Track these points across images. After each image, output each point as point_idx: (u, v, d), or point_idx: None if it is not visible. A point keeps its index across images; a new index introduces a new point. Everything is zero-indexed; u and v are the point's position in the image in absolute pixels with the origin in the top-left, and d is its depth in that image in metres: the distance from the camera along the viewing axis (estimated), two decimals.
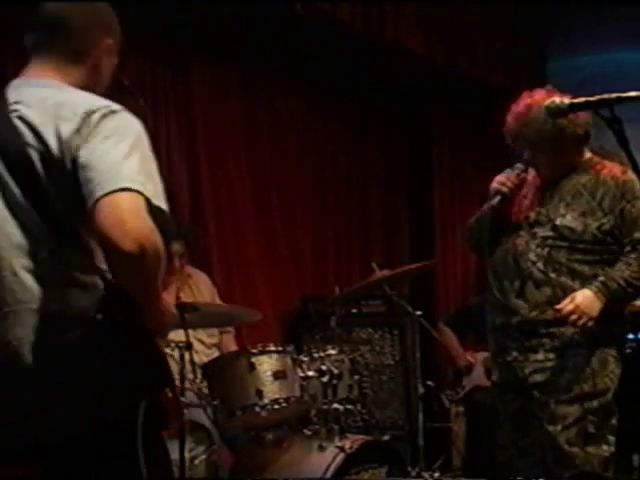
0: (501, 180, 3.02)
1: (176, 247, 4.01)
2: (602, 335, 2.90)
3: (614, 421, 2.92)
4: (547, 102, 2.27)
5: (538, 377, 2.93)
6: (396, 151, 6.24)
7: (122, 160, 1.70)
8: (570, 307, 2.85)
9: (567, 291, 2.91)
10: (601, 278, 2.89)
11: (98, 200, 1.66)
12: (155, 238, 1.68)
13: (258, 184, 5.22)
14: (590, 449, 2.86)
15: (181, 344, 3.12)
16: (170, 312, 1.95)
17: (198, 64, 4.89)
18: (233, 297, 4.69)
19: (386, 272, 3.93)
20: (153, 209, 1.71)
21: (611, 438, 2.90)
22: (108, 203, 1.66)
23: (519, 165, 3.04)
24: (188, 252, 4.17)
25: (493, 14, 5.65)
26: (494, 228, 3.10)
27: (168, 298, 3.95)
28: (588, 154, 3.05)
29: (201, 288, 4.15)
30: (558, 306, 2.86)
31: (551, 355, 2.93)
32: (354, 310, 5.13)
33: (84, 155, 1.70)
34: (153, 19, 4.37)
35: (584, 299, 2.85)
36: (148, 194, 1.70)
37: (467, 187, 6.19)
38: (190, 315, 3.19)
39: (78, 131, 1.72)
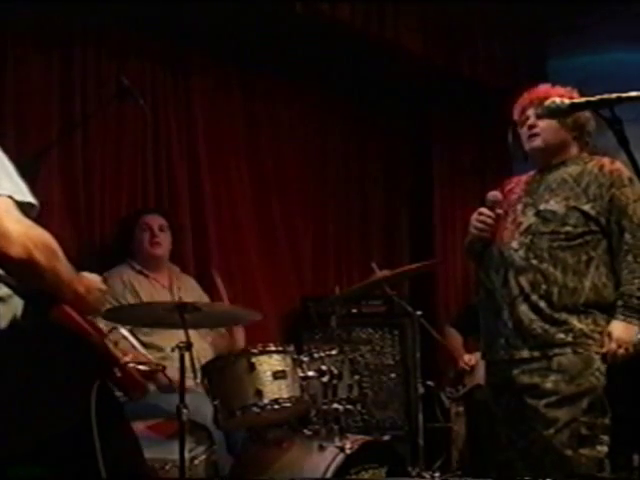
0: (478, 226, 3.06)
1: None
2: (585, 333, 2.88)
3: (607, 420, 2.88)
4: (547, 102, 2.29)
5: (525, 379, 2.92)
6: (396, 151, 6.23)
7: None
8: (613, 346, 2.86)
9: (548, 277, 2.91)
10: (620, 302, 2.89)
11: None
12: (36, 233, 1.68)
13: (258, 184, 5.21)
14: (584, 451, 2.83)
15: (181, 344, 3.11)
16: (95, 287, 1.92)
17: (198, 64, 4.88)
18: (233, 297, 4.68)
19: (386, 272, 3.93)
20: (22, 206, 1.70)
21: (605, 438, 2.86)
22: None
23: (489, 197, 3.07)
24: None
25: (493, 14, 5.65)
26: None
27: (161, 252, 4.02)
28: (576, 149, 3.10)
29: (188, 292, 4.10)
30: (602, 350, 2.87)
31: (536, 353, 2.91)
32: (354, 310, 5.14)
33: None
34: (153, 19, 4.37)
35: (620, 331, 2.87)
36: (8, 192, 1.69)
37: (467, 187, 6.18)
38: (191, 315, 3.19)
39: None
